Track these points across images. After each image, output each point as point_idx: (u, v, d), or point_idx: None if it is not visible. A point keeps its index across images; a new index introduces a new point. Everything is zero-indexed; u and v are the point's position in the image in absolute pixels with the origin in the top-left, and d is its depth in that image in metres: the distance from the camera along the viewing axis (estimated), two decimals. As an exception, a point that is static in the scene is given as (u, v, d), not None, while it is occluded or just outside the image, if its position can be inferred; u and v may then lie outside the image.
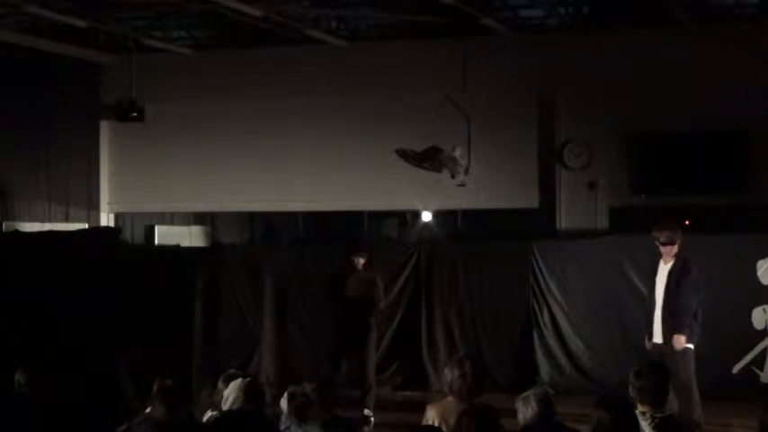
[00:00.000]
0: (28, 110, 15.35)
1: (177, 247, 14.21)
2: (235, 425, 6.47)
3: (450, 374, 6.41)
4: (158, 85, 16.03)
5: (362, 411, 11.00)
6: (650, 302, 9.81)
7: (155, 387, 6.84)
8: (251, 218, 18.56)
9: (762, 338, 11.90)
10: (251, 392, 6.57)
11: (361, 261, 11.33)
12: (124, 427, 6.52)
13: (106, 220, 16.73)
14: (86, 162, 16.44)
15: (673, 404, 9.09)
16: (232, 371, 7.47)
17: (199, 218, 18.22)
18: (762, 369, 11.86)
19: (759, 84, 13.46)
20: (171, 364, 8.96)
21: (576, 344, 12.60)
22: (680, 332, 9.53)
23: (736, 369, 11.87)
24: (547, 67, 14.46)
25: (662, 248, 9.83)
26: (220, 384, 7.05)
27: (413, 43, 15.17)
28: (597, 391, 10.65)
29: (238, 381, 6.65)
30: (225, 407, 6.59)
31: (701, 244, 10.20)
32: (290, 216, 17.27)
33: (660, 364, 6.41)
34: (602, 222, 14.32)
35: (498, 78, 14.68)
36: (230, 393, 6.57)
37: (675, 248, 9.81)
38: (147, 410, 6.67)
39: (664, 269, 9.82)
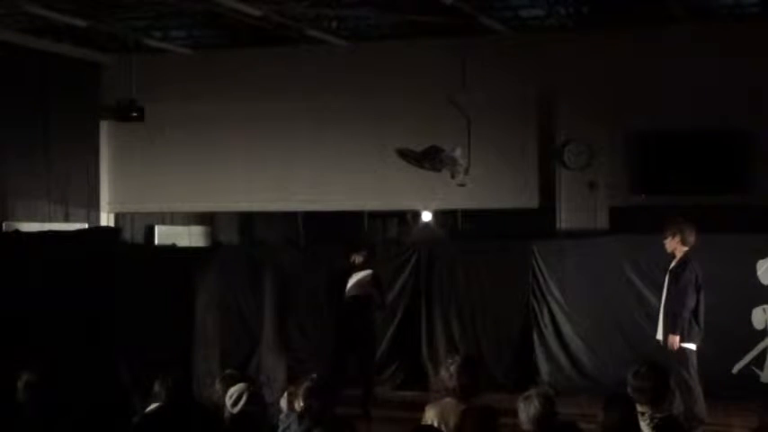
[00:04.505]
0: (28, 110, 15.33)
1: (175, 246, 14.21)
2: (237, 425, 6.48)
3: (442, 374, 6.48)
4: (158, 85, 16.02)
5: (363, 410, 11.01)
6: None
7: (156, 386, 6.86)
8: (251, 218, 18.56)
9: (762, 338, 11.92)
10: (254, 394, 6.59)
11: (359, 259, 11.36)
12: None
13: (106, 220, 16.72)
14: (86, 162, 16.42)
15: (679, 406, 9.15)
16: (228, 371, 7.49)
17: (199, 218, 18.21)
18: (762, 369, 11.88)
19: (759, 84, 13.45)
20: (171, 363, 8.95)
21: (576, 344, 12.62)
22: (673, 332, 9.63)
23: (736, 369, 11.90)
24: (547, 67, 14.45)
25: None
26: (218, 385, 7.06)
27: (413, 43, 15.17)
28: (597, 390, 10.68)
29: (242, 384, 6.68)
30: (229, 408, 6.59)
31: (701, 244, 10.21)
32: (290, 216, 17.27)
33: (659, 364, 6.42)
34: (602, 222, 14.31)
35: (498, 78, 14.68)
36: (234, 395, 6.58)
37: (674, 246, 9.91)
38: (148, 410, 6.68)
39: (669, 269, 9.96)
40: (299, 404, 6.60)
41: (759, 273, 11.97)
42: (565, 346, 12.65)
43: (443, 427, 6.23)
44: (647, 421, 5.80)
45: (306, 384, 6.58)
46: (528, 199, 14.77)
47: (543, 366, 12.63)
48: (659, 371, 6.11)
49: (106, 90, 16.48)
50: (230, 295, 10.99)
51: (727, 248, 11.86)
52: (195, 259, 10.85)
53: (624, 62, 14.11)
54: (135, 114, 15.84)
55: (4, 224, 14.61)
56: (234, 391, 6.61)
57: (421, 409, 6.68)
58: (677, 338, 9.59)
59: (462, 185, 14.68)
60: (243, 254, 13.17)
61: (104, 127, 16.66)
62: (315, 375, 6.76)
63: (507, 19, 14.43)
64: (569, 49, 14.32)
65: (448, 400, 6.45)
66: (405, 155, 14.99)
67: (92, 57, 16.21)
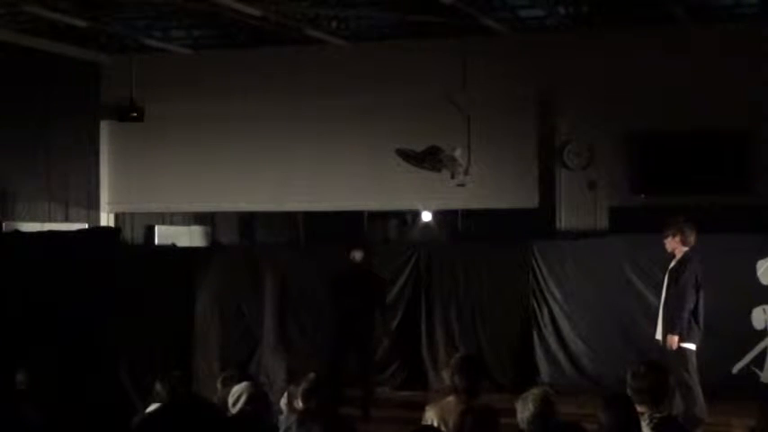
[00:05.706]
0: (28, 110, 15.35)
1: (175, 246, 14.22)
2: (238, 425, 6.49)
3: (443, 374, 6.49)
4: (158, 85, 16.03)
5: (363, 410, 11.01)
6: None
7: (156, 386, 6.85)
8: (251, 218, 18.56)
9: (762, 338, 11.92)
10: (258, 393, 6.59)
11: (359, 256, 11.36)
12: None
13: (106, 220, 16.73)
14: (86, 162, 16.45)
15: (679, 406, 9.14)
16: (229, 371, 7.48)
17: (199, 218, 18.22)
18: (762, 369, 11.88)
19: (759, 84, 13.45)
20: (171, 363, 8.95)
21: (575, 344, 12.63)
22: (672, 332, 9.62)
23: (736, 369, 11.90)
24: (547, 67, 14.45)
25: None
26: (218, 385, 7.07)
27: (413, 43, 15.17)
28: (597, 390, 10.68)
29: (246, 383, 6.69)
30: (231, 408, 6.60)
31: (701, 244, 10.20)
32: (290, 216, 17.27)
33: (658, 364, 6.40)
34: (602, 222, 14.32)
35: (498, 78, 14.68)
36: (237, 394, 6.59)
37: (674, 246, 9.91)
38: (148, 410, 6.67)
39: (669, 268, 9.95)
40: (297, 404, 6.59)
41: (759, 273, 11.96)
42: (565, 346, 12.65)
43: (443, 427, 6.22)
44: (647, 421, 5.78)
45: (303, 386, 6.57)
46: (528, 199, 14.77)
47: (543, 366, 12.62)
48: (659, 371, 6.10)
49: (106, 90, 16.49)
50: (230, 295, 10.98)
51: (728, 248, 11.85)
52: (195, 259, 10.84)
53: (624, 62, 14.11)
54: (135, 114, 15.85)
55: (4, 224, 14.62)
56: (237, 390, 6.62)
57: (421, 409, 6.67)
58: (676, 338, 9.59)
59: (462, 185, 14.69)
60: (243, 254, 13.17)
61: (104, 127, 16.68)
62: (312, 375, 6.75)
63: (507, 19, 14.43)
64: (569, 49, 14.32)
65: (448, 399, 6.45)
66: (405, 155, 14.99)
67: (92, 57, 16.22)
